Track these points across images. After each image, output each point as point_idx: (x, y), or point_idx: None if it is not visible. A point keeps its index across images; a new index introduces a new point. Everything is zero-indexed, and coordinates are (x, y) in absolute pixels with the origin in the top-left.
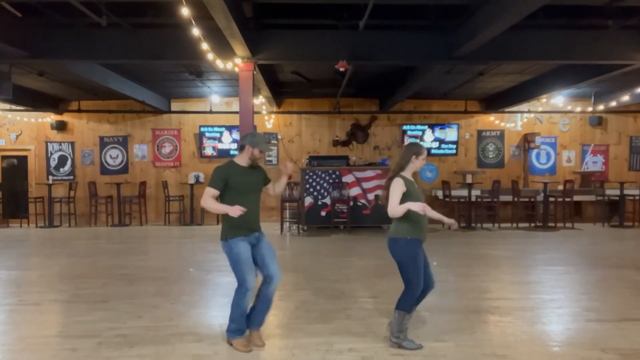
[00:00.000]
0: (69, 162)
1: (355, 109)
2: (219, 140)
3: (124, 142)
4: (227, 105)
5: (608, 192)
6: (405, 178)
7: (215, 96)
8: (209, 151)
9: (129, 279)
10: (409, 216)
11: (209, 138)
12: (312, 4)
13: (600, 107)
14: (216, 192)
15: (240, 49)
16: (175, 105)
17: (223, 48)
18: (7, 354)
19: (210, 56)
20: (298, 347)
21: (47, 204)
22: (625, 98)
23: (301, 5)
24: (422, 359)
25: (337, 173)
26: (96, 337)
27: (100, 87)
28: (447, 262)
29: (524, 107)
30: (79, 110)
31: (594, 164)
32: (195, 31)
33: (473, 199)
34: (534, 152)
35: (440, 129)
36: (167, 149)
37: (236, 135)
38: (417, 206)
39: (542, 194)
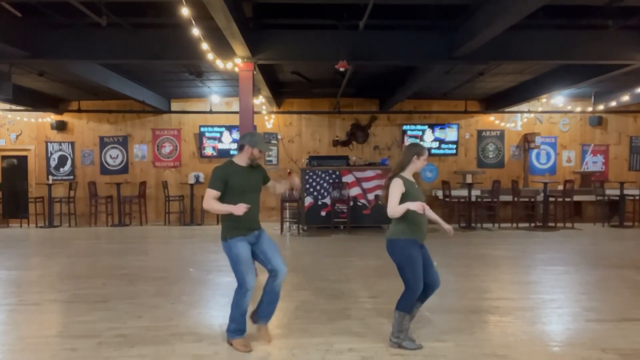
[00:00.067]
0: (69, 162)
1: (355, 109)
2: (219, 140)
3: (124, 142)
4: (227, 105)
5: (608, 192)
6: (405, 178)
7: (215, 96)
8: (209, 151)
9: (129, 279)
10: (407, 217)
11: (209, 138)
12: (312, 4)
13: (600, 107)
14: (217, 193)
15: (240, 49)
16: (175, 105)
17: (223, 48)
18: (7, 354)
19: (210, 56)
20: (298, 347)
21: (47, 204)
22: (625, 98)
23: (301, 5)
24: (422, 359)
25: (337, 173)
26: (96, 337)
27: (100, 87)
28: (447, 262)
29: (524, 107)
30: (79, 110)
31: (594, 164)
32: (195, 31)
33: (473, 199)
34: (534, 152)
35: (440, 129)
36: (167, 149)
37: (236, 135)
38: (415, 205)
39: (542, 194)
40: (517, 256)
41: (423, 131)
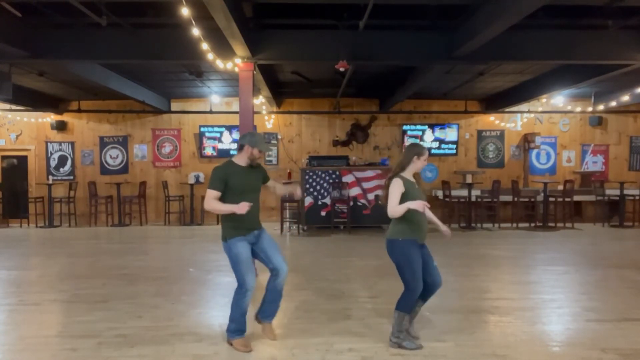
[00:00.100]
0: (69, 162)
1: (355, 109)
2: (219, 140)
3: (124, 142)
4: (227, 105)
5: (608, 192)
6: (404, 178)
7: (215, 96)
8: (209, 151)
9: (129, 279)
10: (406, 217)
11: (209, 138)
12: (312, 4)
13: (600, 107)
14: (218, 194)
15: (240, 49)
16: (175, 105)
17: (223, 48)
18: (7, 354)
19: (210, 56)
20: (298, 347)
21: (47, 204)
22: (625, 98)
23: (301, 5)
24: (422, 359)
25: (337, 173)
26: (96, 337)
27: (100, 87)
28: (447, 262)
29: (524, 107)
30: (79, 110)
31: (594, 164)
32: (195, 31)
33: (473, 199)
34: (534, 152)
35: (440, 129)
36: (167, 149)
37: (236, 135)
38: (416, 204)
39: (542, 194)
40: (517, 256)
41: (423, 131)
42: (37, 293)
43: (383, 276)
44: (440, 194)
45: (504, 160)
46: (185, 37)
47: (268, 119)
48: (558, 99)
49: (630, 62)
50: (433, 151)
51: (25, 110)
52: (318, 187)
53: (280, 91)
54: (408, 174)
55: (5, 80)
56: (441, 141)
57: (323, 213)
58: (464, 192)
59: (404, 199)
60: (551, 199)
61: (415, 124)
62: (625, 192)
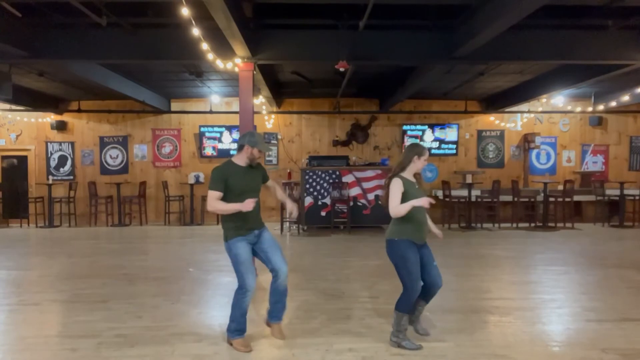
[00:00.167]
0: (69, 162)
1: (355, 109)
2: (219, 140)
3: (124, 142)
4: (227, 105)
5: (608, 192)
6: (404, 178)
7: (215, 96)
8: (209, 151)
9: (129, 279)
10: (406, 217)
11: (209, 138)
12: (312, 4)
13: (600, 107)
14: (219, 194)
15: (240, 49)
16: (175, 105)
17: (223, 48)
18: (7, 354)
19: (210, 56)
20: (298, 347)
21: (47, 204)
22: (625, 98)
23: (301, 5)
24: (422, 359)
25: (337, 173)
26: (96, 337)
27: (100, 87)
28: (447, 262)
29: (524, 107)
30: (79, 110)
31: (594, 164)
32: (195, 31)
33: (473, 199)
34: (534, 152)
35: (440, 129)
36: (167, 149)
37: (236, 135)
38: (420, 201)
39: (542, 194)
40: (517, 256)
41: (423, 131)
42: (37, 293)
43: (383, 276)
44: (440, 194)
45: (504, 160)
46: (185, 37)
47: (268, 119)
48: (558, 99)
49: (630, 62)
50: (433, 151)
51: (25, 110)
52: (318, 187)
53: (280, 91)
54: (408, 174)
55: (5, 80)
56: (441, 141)
57: (323, 213)
58: (464, 192)
59: (403, 199)
60: (551, 199)
61: (415, 124)
62: (625, 192)
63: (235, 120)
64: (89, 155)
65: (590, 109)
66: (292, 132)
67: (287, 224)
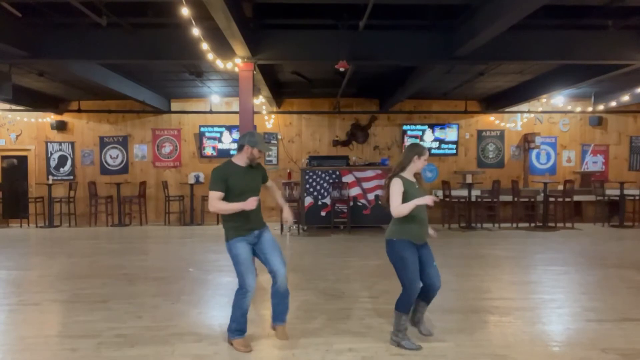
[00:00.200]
0: (69, 162)
1: (355, 109)
2: (219, 140)
3: (124, 142)
4: (227, 105)
5: (608, 192)
6: (404, 178)
7: (215, 96)
8: (209, 151)
9: (129, 279)
10: (406, 217)
11: (209, 138)
12: (312, 4)
13: (600, 107)
14: (221, 194)
15: (240, 49)
16: (175, 105)
17: (223, 48)
18: (7, 354)
19: (210, 56)
20: (298, 347)
21: (47, 204)
22: (625, 98)
23: (301, 5)
24: (422, 359)
25: (337, 173)
26: (96, 337)
27: (100, 87)
28: (447, 262)
29: (524, 107)
30: (79, 110)
31: (594, 164)
32: (195, 31)
33: (473, 199)
34: (534, 152)
35: (440, 129)
36: (167, 149)
37: (236, 135)
38: (424, 200)
39: (542, 194)
40: (517, 256)
41: (423, 131)
42: (37, 293)
43: (383, 276)
44: (440, 194)
45: (504, 160)
46: (185, 37)
47: (268, 119)
48: (558, 99)
49: (630, 62)
50: (433, 151)
51: (25, 110)
52: (318, 187)
53: (280, 91)
54: (408, 174)
55: (5, 80)
56: (441, 141)
57: (323, 213)
58: (464, 192)
59: (404, 199)
60: (551, 199)
61: (415, 124)
62: (625, 192)
63: (235, 120)
64: (89, 155)
65: (590, 109)
66: (292, 132)
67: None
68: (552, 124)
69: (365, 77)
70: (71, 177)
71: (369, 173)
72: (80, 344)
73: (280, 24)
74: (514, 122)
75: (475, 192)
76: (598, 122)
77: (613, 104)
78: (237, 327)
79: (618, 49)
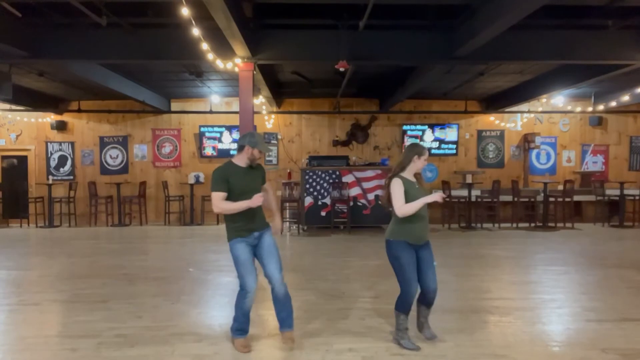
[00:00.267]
0: (69, 162)
1: (355, 109)
2: (219, 140)
3: (124, 142)
4: (227, 105)
5: (608, 192)
6: (404, 178)
7: (215, 96)
8: (209, 151)
9: (129, 279)
10: (404, 217)
11: (209, 138)
12: (312, 4)
13: (600, 107)
14: (224, 194)
15: (240, 49)
16: (175, 105)
17: (223, 48)
18: (7, 354)
19: (210, 56)
20: (298, 347)
21: (47, 204)
22: (625, 98)
23: (301, 5)
24: (422, 359)
25: (337, 173)
26: (96, 337)
27: (100, 87)
28: (447, 262)
29: (524, 107)
30: (79, 110)
31: (594, 164)
32: (195, 31)
33: (473, 199)
34: (534, 152)
35: (440, 129)
36: (167, 149)
37: (236, 135)
38: (433, 197)
39: (542, 194)
40: (517, 256)
41: (423, 131)
42: (37, 293)
43: (383, 276)
44: (441, 193)
45: (504, 160)
46: (185, 37)
47: (268, 119)
48: (558, 99)
49: (630, 62)
50: (433, 151)
51: (25, 110)
52: (318, 187)
53: (280, 91)
54: (408, 174)
55: (5, 80)
56: (441, 141)
57: (323, 213)
58: (464, 192)
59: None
60: (551, 199)
61: (415, 124)
62: (625, 192)
63: (235, 120)
64: (89, 155)
65: (590, 109)
66: (292, 132)
67: (287, 223)
68: (552, 124)
69: (365, 77)
70: (71, 177)
71: (369, 173)
72: (80, 344)
73: (280, 24)
74: (514, 122)
75: (475, 192)
76: (598, 122)
77: (613, 104)
78: (239, 327)
79: (618, 49)
